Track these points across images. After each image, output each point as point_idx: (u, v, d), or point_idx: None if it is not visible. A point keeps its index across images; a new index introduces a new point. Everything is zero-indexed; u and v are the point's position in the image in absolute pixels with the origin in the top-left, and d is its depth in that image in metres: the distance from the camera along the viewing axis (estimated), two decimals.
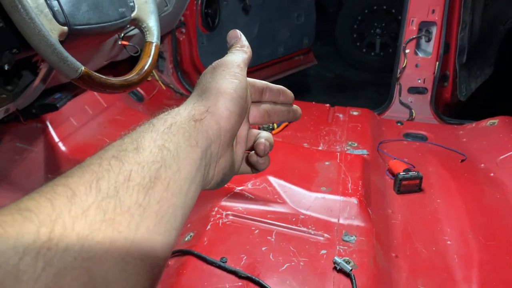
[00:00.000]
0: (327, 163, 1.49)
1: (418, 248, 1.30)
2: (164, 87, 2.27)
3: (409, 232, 1.37)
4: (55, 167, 1.40)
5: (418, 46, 2.06)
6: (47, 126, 1.37)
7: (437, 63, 2.02)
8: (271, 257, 1.13)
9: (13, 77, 1.04)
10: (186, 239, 1.21)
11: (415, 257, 1.27)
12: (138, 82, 0.81)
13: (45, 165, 1.40)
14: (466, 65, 2.18)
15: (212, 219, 1.24)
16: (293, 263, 1.12)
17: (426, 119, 2.08)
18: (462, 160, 1.69)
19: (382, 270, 1.16)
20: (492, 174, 1.59)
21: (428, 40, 2.03)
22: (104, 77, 0.75)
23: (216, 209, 1.28)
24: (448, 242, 1.31)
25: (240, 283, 1.04)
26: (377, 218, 1.35)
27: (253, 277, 1.05)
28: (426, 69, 2.04)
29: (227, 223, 1.24)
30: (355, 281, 1.06)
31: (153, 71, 2.27)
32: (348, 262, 1.12)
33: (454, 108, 2.21)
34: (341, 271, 1.10)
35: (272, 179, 1.36)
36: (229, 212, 1.27)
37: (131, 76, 0.81)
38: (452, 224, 1.37)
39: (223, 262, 1.09)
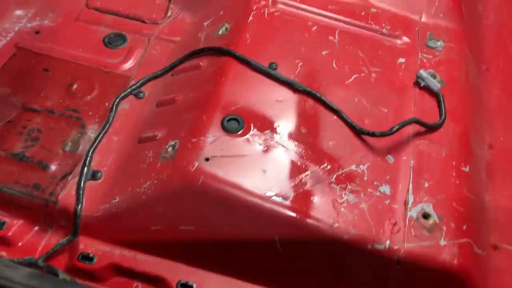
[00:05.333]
0: None
1: None
2: None
3: (503, 36, 1.06)
4: None
5: None
6: None
7: None
8: (334, 65, 0.85)
9: None
10: (220, 32, 0.91)
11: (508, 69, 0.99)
12: None
13: None
14: None
15: (254, 7, 0.91)
16: (362, 74, 0.85)
17: None
18: None
19: (473, 88, 0.90)
20: None
21: None
22: None
23: None
24: None
25: (296, 98, 0.80)
26: (466, 17, 1.02)
27: (313, 92, 0.80)
28: None
29: (275, 13, 0.91)
30: (444, 103, 0.81)
31: None
32: (434, 77, 0.85)
33: None
34: (425, 88, 0.84)
35: None
36: None
37: None
38: None
39: (273, 69, 0.82)
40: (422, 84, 0.84)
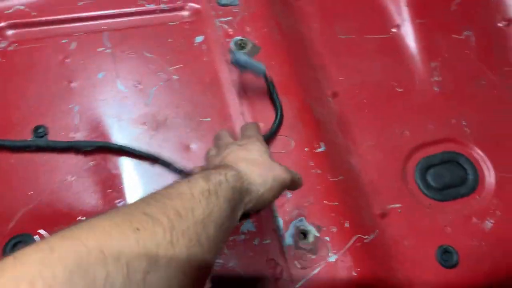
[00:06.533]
0: None
1: None
2: None
3: None
4: None
5: None
6: None
7: None
8: (119, 87, 0.63)
9: None
10: None
11: None
12: None
13: None
14: None
15: None
16: (162, 83, 0.64)
17: None
18: None
19: (291, 35, 0.75)
20: None
21: None
22: None
23: None
24: None
25: (90, 163, 0.58)
26: None
27: (108, 144, 0.58)
28: None
29: (10, 48, 0.64)
30: (272, 84, 0.66)
31: None
32: (244, 46, 0.68)
33: None
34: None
35: None
36: (3, 24, 0.65)
37: None
38: None
39: (41, 136, 0.58)
40: (233, 60, 0.66)
